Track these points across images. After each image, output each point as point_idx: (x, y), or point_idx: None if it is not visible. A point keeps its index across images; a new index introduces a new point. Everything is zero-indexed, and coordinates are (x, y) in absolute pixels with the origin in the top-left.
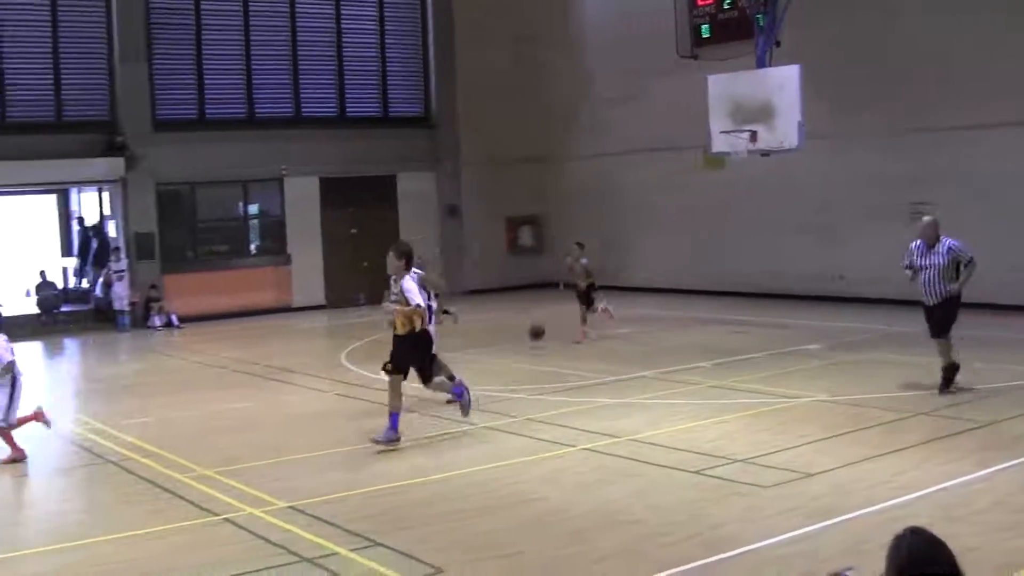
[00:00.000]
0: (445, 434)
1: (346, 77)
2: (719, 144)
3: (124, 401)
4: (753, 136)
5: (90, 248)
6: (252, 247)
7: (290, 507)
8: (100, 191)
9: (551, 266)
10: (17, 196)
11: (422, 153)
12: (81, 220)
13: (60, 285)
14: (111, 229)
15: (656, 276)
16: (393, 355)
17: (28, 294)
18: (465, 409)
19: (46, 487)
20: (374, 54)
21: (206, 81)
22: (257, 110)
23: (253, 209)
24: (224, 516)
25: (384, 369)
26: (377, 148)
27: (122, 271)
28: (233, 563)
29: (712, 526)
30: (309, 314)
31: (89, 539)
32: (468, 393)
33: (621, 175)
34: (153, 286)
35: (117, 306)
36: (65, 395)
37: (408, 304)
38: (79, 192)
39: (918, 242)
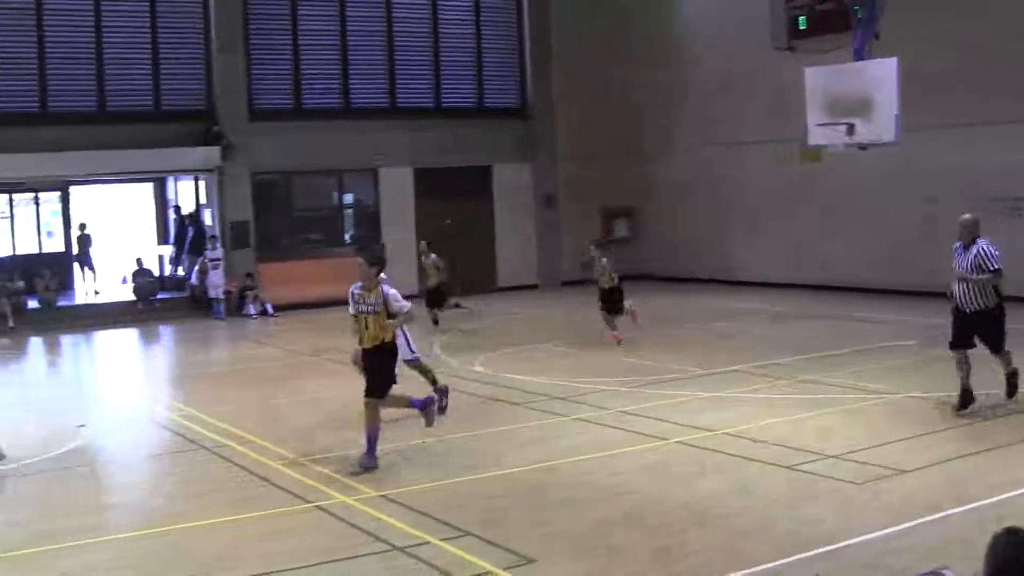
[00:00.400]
0: (538, 426)
1: (442, 67)
2: (816, 137)
3: (218, 388)
4: (850, 129)
5: (186, 236)
6: (346, 236)
7: (381, 496)
8: (196, 180)
9: (647, 258)
10: (116, 184)
11: (518, 144)
12: (178, 208)
13: (156, 273)
14: (207, 218)
15: (752, 269)
16: (369, 375)
17: (124, 281)
18: (430, 418)
19: (139, 472)
20: (470, 44)
21: (302, 71)
22: (353, 100)
23: (348, 199)
24: (316, 503)
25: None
26: (472, 139)
27: (218, 259)
28: (324, 550)
29: (806, 522)
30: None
31: (181, 524)
32: (445, 399)
33: (718, 167)
34: (248, 274)
35: (212, 294)
36: (160, 381)
37: (397, 313)
38: (176, 180)
39: (958, 243)
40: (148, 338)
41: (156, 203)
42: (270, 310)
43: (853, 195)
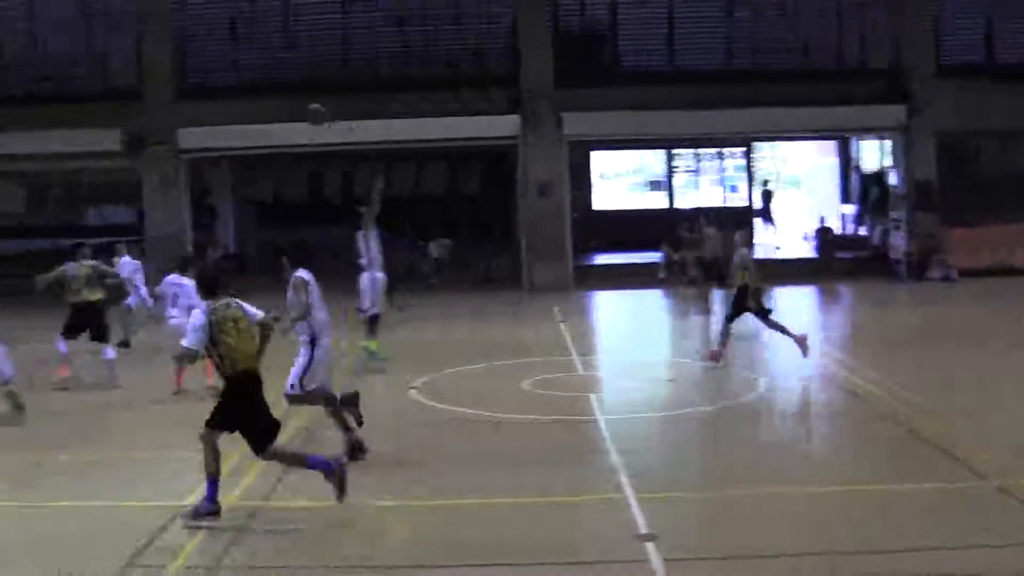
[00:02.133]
0: None
1: None
2: None
3: (894, 353)
4: None
5: (869, 196)
6: None
7: None
8: (880, 139)
9: None
10: (799, 142)
11: None
12: (859, 167)
13: (837, 231)
14: (891, 178)
15: None
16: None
17: (806, 238)
18: (338, 483)
19: (797, 429)
20: None
21: (994, 24)
22: None
23: None
24: (995, 483)
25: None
26: None
27: (900, 221)
28: (985, 533)
29: None
30: None
31: (849, 487)
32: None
33: None
34: (931, 236)
35: (893, 256)
36: (837, 340)
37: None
38: (858, 140)
39: None
40: (827, 296)
41: (840, 161)
42: (953, 276)
43: None
